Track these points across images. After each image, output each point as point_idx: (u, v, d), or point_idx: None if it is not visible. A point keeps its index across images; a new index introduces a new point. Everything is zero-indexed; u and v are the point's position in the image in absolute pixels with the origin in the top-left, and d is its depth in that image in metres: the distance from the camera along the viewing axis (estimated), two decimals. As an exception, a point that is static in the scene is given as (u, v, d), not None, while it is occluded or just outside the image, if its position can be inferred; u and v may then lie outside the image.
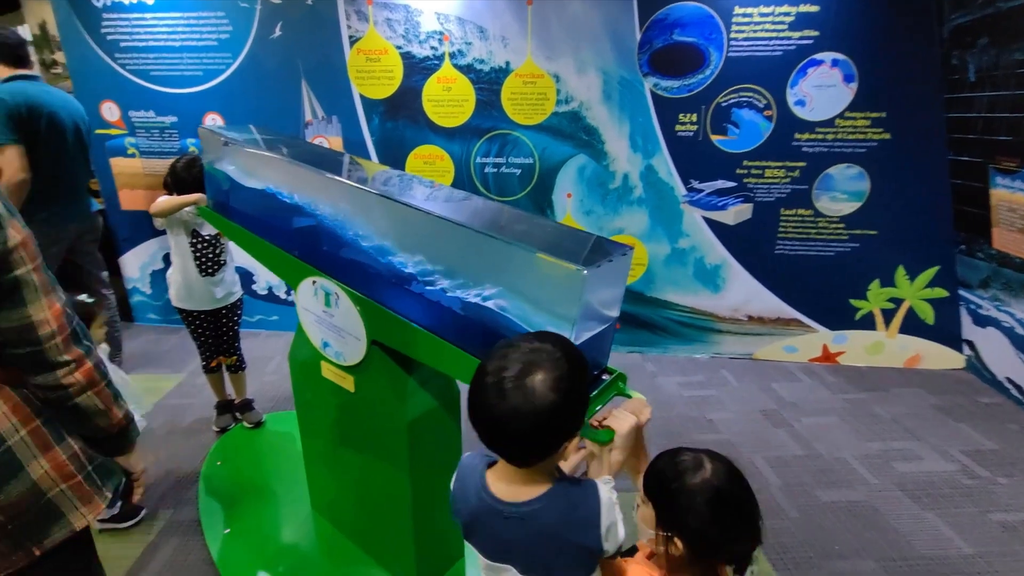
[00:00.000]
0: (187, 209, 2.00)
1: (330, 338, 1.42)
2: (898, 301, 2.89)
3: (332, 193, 1.33)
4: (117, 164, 3.14)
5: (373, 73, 2.82)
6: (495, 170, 2.94)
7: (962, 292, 2.80)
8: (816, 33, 2.54)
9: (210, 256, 2.07)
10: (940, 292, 2.82)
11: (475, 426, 0.77)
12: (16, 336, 0.78)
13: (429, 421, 1.38)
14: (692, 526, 0.81)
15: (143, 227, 3.26)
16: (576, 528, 0.80)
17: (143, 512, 1.89)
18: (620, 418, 0.96)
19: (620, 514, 0.82)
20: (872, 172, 2.71)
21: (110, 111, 3.03)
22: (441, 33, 2.73)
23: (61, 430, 0.87)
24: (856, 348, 3.00)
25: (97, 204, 2.69)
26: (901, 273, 2.84)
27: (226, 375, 2.36)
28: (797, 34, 2.56)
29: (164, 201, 1.98)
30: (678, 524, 0.83)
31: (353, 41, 2.79)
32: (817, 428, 2.45)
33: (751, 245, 2.90)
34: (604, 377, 1.11)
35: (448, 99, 2.83)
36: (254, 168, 1.55)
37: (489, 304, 1.06)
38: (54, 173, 2.38)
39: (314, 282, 1.39)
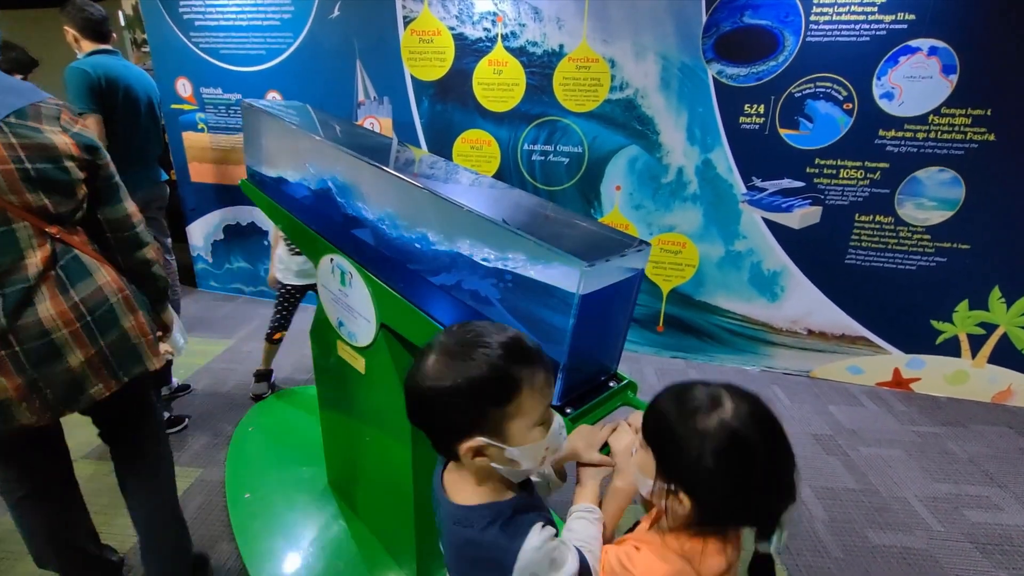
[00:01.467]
0: None
1: (344, 317, 1.41)
2: (990, 327, 2.54)
3: (350, 173, 1.31)
4: (188, 138, 3.33)
5: (425, 54, 2.80)
6: (542, 158, 2.84)
7: (1072, 322, 2.41)
8: (912, 17, 2.24)
9: None
10: (1044, 320, 2.45)
11: None
12: (121, 224, 1.21)
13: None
14: (701, 479, 0.64)
15: (209, 199, 3.45)
16: (482, 571, 0.70)
17: (186, 421, 2.26)
18: (618, 433, 0.84)
19: (564, 555, 0.69)
20: (969, 178, 2.37)
21: (183, 87, 3.21)
22: (495, 14, 2.66)
23: (138, 303, 1.22)
24: (934, 375, 2.67)
25: (165, 174, 2.85)
26: (996, 295, 2.48)
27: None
28: (889, 17, 2.27)
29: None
30: (684, 476, 0.66)
31: (407, 21, 2.77)
32: (877, 460, 2.20)
33: (817, 252, 2.64)
34: (611, 384, 1.01)
35: (498, 83, 2.76)
36: (281, 142, 1.56)
37: (496, 298, 0.99)
38: (127, 143, 2.54)
39: (331, 260, 1.38)
